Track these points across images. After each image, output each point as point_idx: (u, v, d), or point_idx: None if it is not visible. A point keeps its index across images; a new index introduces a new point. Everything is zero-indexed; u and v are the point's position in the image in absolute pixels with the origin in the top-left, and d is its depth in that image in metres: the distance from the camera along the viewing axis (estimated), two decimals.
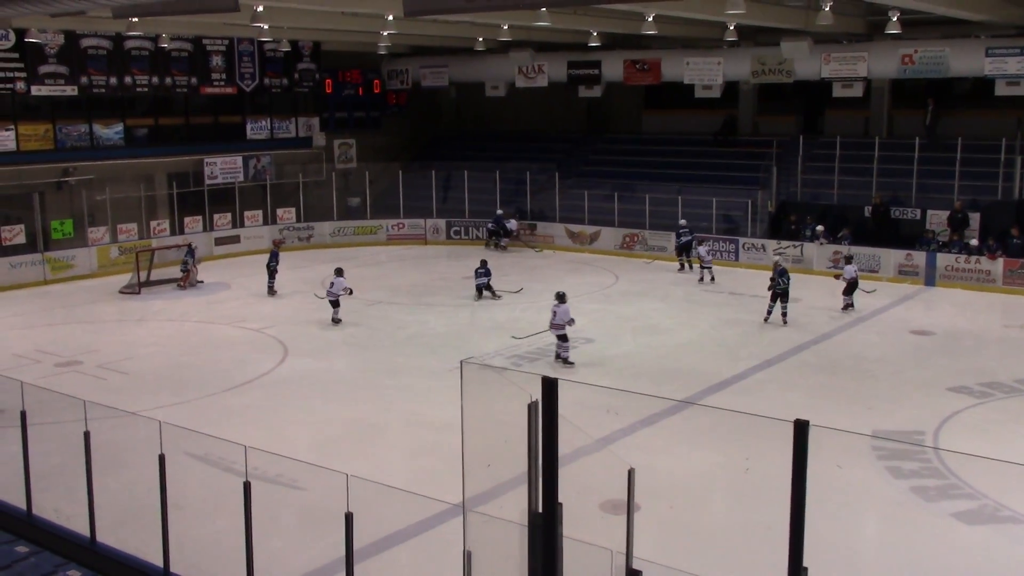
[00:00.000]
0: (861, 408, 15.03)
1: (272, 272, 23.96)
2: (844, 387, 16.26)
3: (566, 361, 17.22)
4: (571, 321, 17.19)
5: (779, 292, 20.28)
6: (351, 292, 20.95)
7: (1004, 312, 21.83)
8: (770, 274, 20.68)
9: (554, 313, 17.22)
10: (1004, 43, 25.04)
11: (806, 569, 5.02)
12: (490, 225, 31.04)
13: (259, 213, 31.17)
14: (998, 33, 25.74)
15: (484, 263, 23.59)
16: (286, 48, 31.61)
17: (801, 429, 4.75)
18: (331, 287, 20.82)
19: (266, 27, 23.84)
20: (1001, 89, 25.32)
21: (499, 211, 30.98)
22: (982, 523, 10.93)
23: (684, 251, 26.88)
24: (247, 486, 8.09)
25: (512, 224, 30.85)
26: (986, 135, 26.77)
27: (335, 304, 20.68)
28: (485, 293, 23.15)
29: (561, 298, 17.45)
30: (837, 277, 22.14)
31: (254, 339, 19.75)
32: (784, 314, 20.29)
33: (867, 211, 26.93)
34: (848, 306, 21.53)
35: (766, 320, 20.41)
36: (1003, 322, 20.92)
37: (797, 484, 4.81)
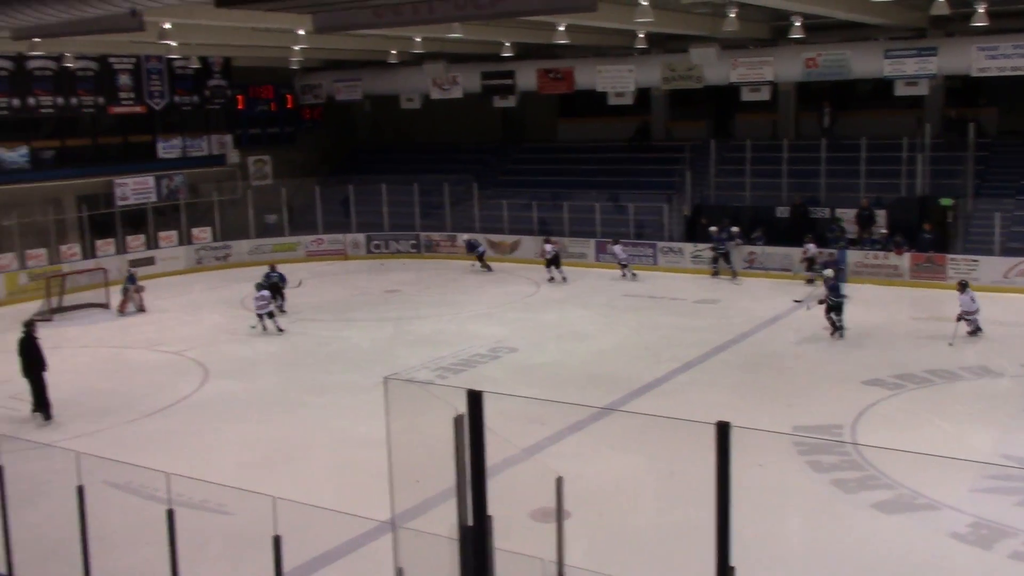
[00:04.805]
0: (781, 405, 15.38)
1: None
2: (764, 385, 16.61)
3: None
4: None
5: (833, 306, 19.38)
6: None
7: (912, 305, 22.53)
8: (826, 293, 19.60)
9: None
10: (902, 45, 25.92)
11: (733, 568, 5.12)
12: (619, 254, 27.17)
13: (174, 234, 30.56)
14: (896, 35, 26.65)
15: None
16: (196, 65, 31.18)
17: (723, 431, 4.86)
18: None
19: (174, 44, 23.51)
20: (900, 89, 26.18)
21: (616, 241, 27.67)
22: (900, 512, 11.26)
23: (721, 259, 26.31)
24: (170, 514, 7.93)
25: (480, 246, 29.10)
26: (888, 134, 27.65)
27: (271, 316, 21.29)
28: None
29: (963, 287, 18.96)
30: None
31: (173, 362, 19.36)
32: (839, 327, 19.37)
33: (780, 211, 27.56)
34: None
35: (834, 335, 19.31)
36: (912, 315, 21.59)
37: (721, 485, 4.91)
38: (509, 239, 30.45)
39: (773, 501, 11.53)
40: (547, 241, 27.58)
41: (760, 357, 18.41)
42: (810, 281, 24.10)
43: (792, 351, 18.78)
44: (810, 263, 24.82)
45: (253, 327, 21.32)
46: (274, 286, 22.92)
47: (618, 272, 26.76)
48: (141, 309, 24.27)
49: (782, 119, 31.07)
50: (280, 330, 21.25)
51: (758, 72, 27.76)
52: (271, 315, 21.41)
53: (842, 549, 10.49)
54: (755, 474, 11.37)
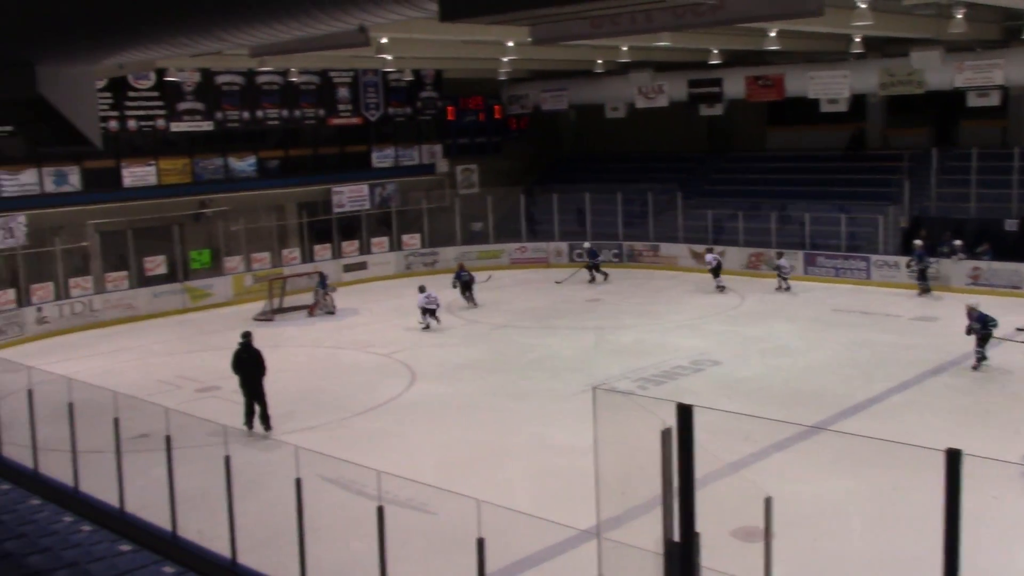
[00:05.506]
0: (1009, 432, 14.31)
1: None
2: (989, 410, 15.52)
3: None
4: None
5: (986, 336, 17.65)
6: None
7: None
8: (968, 322, 17.71)
9: None
10: None
11: None
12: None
13: (385, 240, 31.84)
14: None
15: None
16: (409, 78, 32.38)
17: (953, 459, 4.54)
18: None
19: (390, 58, 24.45)
20: None
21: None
22: None
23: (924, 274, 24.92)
24: (380, 510, 8.19)
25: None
26: None
27: (434, 314, 22.88)
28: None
29: None
30: None
31: (383, 364, 20.11)
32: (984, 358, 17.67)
33: (1008, 225, 25.76)
34: None
35: (975, 368, 17.54)
36: None
37: (950, 517, 4.58)
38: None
39: (1001, 535, 10.73)
40: (709, 251, 27.44)
41: (984, 380, 17.21)
42: None
43: (1021, 374, 17.45)
44: None
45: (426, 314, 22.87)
46: (465, 284, 25.14)
47: (787, 283, 26.26)
48: (331, 311, 25.36)
49: (1013, 126, 29.02)
50: (438, 320, 22.89)
51: (987, 76, 26.04)
52: (433, 313, 22.75)
53: None
54: (981, 504, 10.61)
